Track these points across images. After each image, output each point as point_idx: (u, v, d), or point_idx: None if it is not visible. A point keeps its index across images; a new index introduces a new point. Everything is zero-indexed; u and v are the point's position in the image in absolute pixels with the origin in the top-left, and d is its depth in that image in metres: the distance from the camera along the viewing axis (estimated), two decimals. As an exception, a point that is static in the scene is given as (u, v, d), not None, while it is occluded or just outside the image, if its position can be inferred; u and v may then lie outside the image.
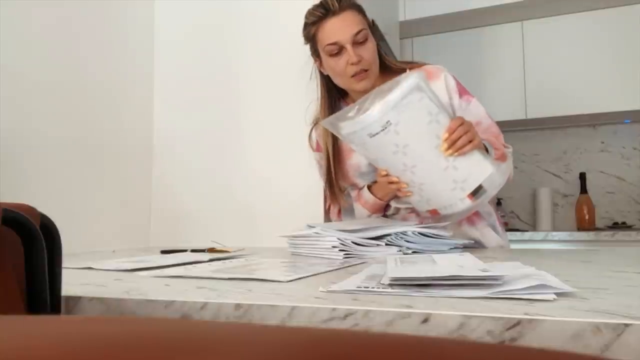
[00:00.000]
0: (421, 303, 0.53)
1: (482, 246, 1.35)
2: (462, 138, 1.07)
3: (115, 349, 0.19)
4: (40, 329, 0.23)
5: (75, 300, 0.64)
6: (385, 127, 1.02)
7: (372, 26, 1.35)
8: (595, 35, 2.69)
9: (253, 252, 1.27)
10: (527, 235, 2.63)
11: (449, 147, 1.06)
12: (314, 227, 1.16)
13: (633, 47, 2.61)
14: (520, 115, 2.82)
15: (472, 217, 1.35)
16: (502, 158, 1.28)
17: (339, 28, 1.27)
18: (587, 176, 2.90)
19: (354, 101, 1.42)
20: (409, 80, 1.04)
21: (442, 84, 1.35)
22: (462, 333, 0.47)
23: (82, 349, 0.19)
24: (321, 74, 1.40)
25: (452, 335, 0.48)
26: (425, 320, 0.49)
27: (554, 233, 2.55)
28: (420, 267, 0.74)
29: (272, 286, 0.68)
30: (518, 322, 0.45)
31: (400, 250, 1.11)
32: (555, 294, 0.54)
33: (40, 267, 0.51)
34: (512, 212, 3.08)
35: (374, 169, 1.38)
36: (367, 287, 0.62)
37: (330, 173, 1.39)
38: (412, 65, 1.41)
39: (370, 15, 1.37)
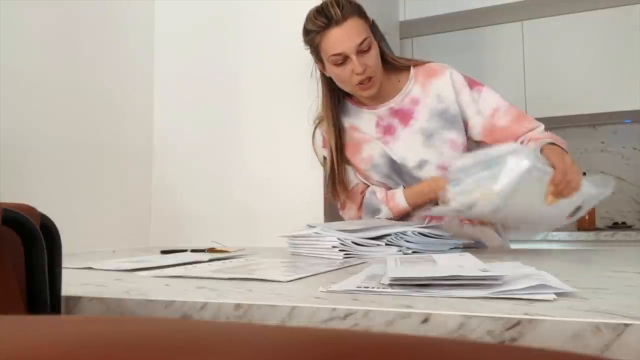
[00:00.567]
0: (421, 303, 0.53)
1: (482, 246, 1.35)
2: (566, 189, 1.02)
3: (115, 349, 0.19)
4: (40, 329, 0.23)
5: (75, 300, 0.64)
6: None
7: (373, 26, 1.35)
8: (595, 35, 2.69)
9: (253, 252, 1.27)
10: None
11: (554, 197, 1.01)
12: (314, 227, 1.16)
13: (633, 47, 2.61)
14: (520, 115, 2.82)
15: (473, 217, 1.35)
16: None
17: (343, 39, 1.26)
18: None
19: (359, 100, 1.43)
20: (520, 167, 0.93)
21: (448, 81, 1.36)
22: (462, 333, 0.47)
23: (82, 349, 0.19)
24: (322, 73, 1.40)
25: (452, 335, 0.48)
26: (425, 320, 0.49)
27: (554, 233, 2.55)
28: (420, 267, 0.74)
29: (272, 286, 0.68)
30: (518, 322, 0.45)
31: (400, 250, 1.11)
32: (555, 294, 0.54)
33: (40, 267, 0.51)
34: (512, 212, 3.07)
35: (387, 160, 1.39)
36: (367, 287, 0.62)
37: (334, 169, 1.40)
38: (416, 62, 1.42)
39: (370, 15, 1.37)
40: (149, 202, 1.85)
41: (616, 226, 2.78)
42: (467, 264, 0.76)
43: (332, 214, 1.57)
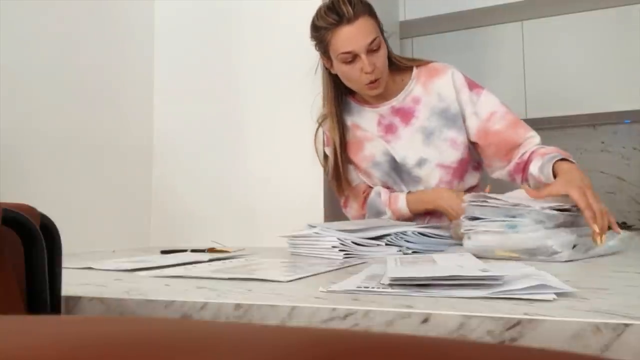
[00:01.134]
0: (421, 303, 0.53)
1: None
2: (604, 223, 0.96)
3: (115, 349, 0.19)
4: (40, 329, 0.23)
5: (75, 300, 0.64)
6: None
7: (381, 27, 1.35)
8: (595, 35, 2.69)
9: (253, 252, 1.27)
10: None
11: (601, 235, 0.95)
12: (314, 227, 1.16)
13: (633, 47, 2.61)
14: (520, 115, 2.79)
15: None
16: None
17: (354, 37, 1.26)
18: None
19: (361, 98, 1.43)
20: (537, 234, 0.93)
21: (449, 80, 1.36)
22: (462, 333, 0.47)
23: (82, 349, 0.19)
24: (327, 70, 1.41)
25: (452, 335, 0.48)
26: (425, 320, 0.49)
27: (554, 233, 2.55)
28: (420, 267, 0.74)
29: (272, 286, 0.68)
30: (518, 322, 0.45)
31: (400, 250, 1.11)
32: (555, 294, 0.54)
33: (40, 267, 0.51)
34: (512, 212, 3.07)
35: (388, 158, 1.39)
36: (367, 287, 0.62)
37: (338, 165, 1.40)
38: (419, 63, 1.42)
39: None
40: (149, 202, 1.85)
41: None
42: (467, 264, 0.76)
43: (332, 214, 1.57)
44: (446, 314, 0.48)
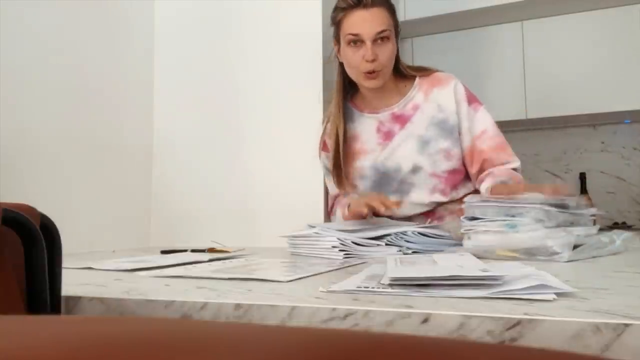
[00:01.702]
0: (421, 303, 0.53)
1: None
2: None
3: (115, 349, 0.19)
4: (40, 329, 0.23)
5: (75, 300, 0.64)
6: None
7: (397, 27, 1.36)
8: (595, 35, 2.69)
9: (253, 252, 1.27)
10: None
11: None
12: (314, 227, 1.16)
13: (633, 47, 2.61)
14: (520, 115, 2.82)
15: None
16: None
17: (365, 22, 1.28)
18: (587, 176, 2.90)
19: (361, 104, 1.43)
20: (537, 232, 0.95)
21: (451, 91, 1.37)
22: (462, 333, 0.47)
23: (82, 349, 0.19)
24: (340, 64, 1.40)
25: (452, 335, 0.48)
26: (425, 320, 0.49)
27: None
28: (420, 267, 0.74)
29: (272, 286, 0.68)
30: (518, 322, 0.45)
31: (400, 250, 1.11)
32: (555, 294, 0.54)
33: (40, 267, 0.51)
34: (512, 212, 3.07)
35: (374, 173, 1.39)
36: (367, 287, 0.62)
37: (339, 155, 1.40)
38: (423, 73, 1.42)
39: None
40: (149, 202, 1.85)
41: (616, 226, 2.78)
42: (467, 264, 0.76)
43: (332, 214, 1.57)
44: (446, 314, 0.48)
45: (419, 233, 1.16)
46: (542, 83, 2.78)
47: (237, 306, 0.56)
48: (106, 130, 1.67)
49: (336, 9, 1.34)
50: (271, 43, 1.74)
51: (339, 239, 1.07)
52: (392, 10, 1.33)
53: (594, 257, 0.95)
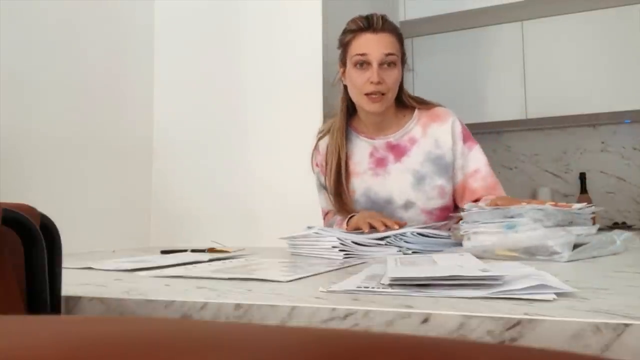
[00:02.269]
0: (421, 303, 0.53)
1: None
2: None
3: (115, 349, 0.19)
4: (40, 329, 0.23)
5: (75, 300, 0.64)
6: None
7: (404, 56, 1.37)
8: (595, 35, 2.69)
9: (253, 252, 1.27)
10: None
11: None
12: (313, 227, 1.16)
13: (633, 47, 2.61)
14: (520, 115, 2.82)
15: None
16: None
17: (373, 44, 1.29)
18: (587, 176, 2.90)
19: (359, 127, 1.42)
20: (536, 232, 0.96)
21: (448, 128, 1.37)
22: (462, 333, 0.47)
23: (82, 349, 0.19)
24: (345, 87, 1.40)
25: (452, 335, 0.48)
26: (425, 320, 0.49)
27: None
28: (420, 267, 0.74)
29: (272, 286, 0.68)
30: (518, 322, 0.45)
31: (400, 250, 1.11)
32: (555, 294, 0.54)
33: (40, 267, 0.51)
34: (512, 212, 3.07)
35: (367, 199, 1.38)
36: (367, 287, 0.62)
37: (341, 178, 1.38)
38: (422, 106, 1.41)
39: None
40: (149, 202, 1.85)
41: (616, 226, 2.78)
42: (467, 264, 0.76)
43: (332, 214, 1.57)
44: (446, 314, 0.48)
45: (418, 233, 1.16)
46: (542, 83, 2.78)
47: (237, 306, 0.56)
48: (106, 130, 1.67)
49: (345, 32, 1.35)
50: (273, 43, 1.75)
51: (339, 238, 1.07)
52: (400, 39, 1.35)
53: (594, 257, 0.95)
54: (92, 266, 0.98)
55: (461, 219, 1.09)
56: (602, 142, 2.97)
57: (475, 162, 1.36)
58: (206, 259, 1.06)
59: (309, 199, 1.60)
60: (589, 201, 2.84)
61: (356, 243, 1.09)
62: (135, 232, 1.78)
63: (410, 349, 0.18)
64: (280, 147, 1.70)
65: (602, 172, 2.94)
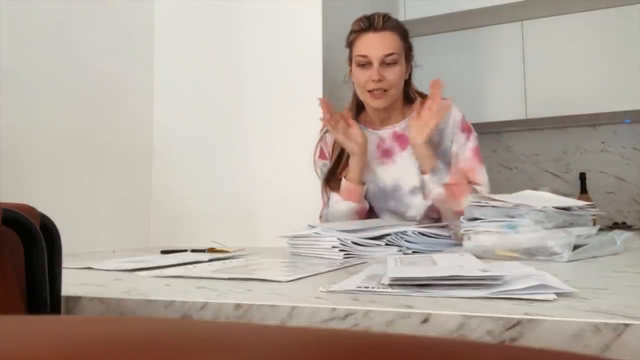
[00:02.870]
0: (421, 303, 0.53)
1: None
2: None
3: (115, 349, 0.19)
4: (40, 329, 0.23)
5: (75, 300, 0.64)
6: None
7: (410, 51, 1.40)
8: (595, 35, 2.69)
9: (253, 252, 1.27)
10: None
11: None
12: (314, 227, 1.16)
13: (633, 47, 2.61)
14: (520, 115, 2.82)
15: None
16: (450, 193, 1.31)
17: (373, 44, 1.33)
18: (587, 176, 2.90)
19: (365, 120, 1.44)
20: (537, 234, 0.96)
21: (447, 114, 1.39)
22: (462, 333, 0.47)
23: (82, 349, 0.19)
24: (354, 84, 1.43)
25: (452, 335, 0.48)
26: (425, 320, 0.49)
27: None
28: (420, 267, 0.74)
29: (272, 286, 0.68)
30: (518, 322, 0.45)
31: (400, 250, 1.11)
32: (555, 294, 0.54)
33: (40, 267, 0.51)
34: (512, 212, 3.07)
35: (372, 187, 1.43)
36: (367, 287, 0.62)
37: (338, 165, 1.41)
38: (424, 99, 1.42)
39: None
40: (149, 202, 1.85)
41: (616, 226, 2.78)
42: (467, 264, 0.76)
43: (332, 214, 1.57)
44: (446, 314, 0.48)
45: (419, 233, 1.16)
46: (542, 83, 2.78)
47: (237, 306, 0.56)
48: (106, 130, 1.67)
49: (350, 32, 1.39)
50: (274, 43, 1.74)
51: (339, 239, 1.07)
52: (404, 36, 1.37)
53: (594, 257, 0.95)
54: (92, 266, 0.98)
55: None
56: (602, 142, 2.97)
57: (469, 151, 1.39)
58: (206, 259, 1.06)
59: (309, 199, 1.60)
60: (589, 201, 2.84)
61: (356, 243, 1.09)
62: (135, 232, 1.78)
63: (410, 349, 0.18)
64: (281, 147, 1.70)
65: (602, 172, 2.94)
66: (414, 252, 1.11)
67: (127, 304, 0.62)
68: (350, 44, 1.39)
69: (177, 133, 1.85)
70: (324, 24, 1.66)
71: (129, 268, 0.93)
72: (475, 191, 1.33)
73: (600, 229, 1.07)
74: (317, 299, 0.57)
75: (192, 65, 1.87)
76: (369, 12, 1.37)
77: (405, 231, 1.15)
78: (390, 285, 0.61)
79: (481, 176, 1.37)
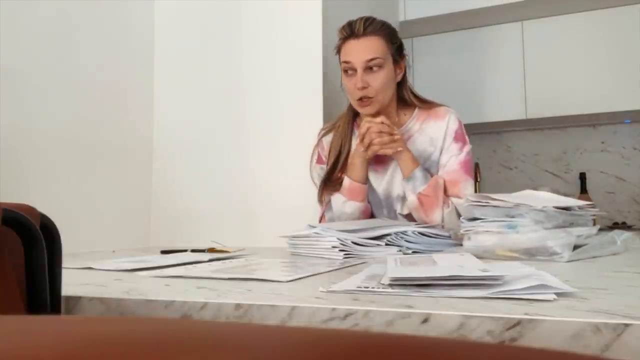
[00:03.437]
0: (421, 303, 0.53)
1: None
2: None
3: (115, 349, 0.19)
4: (40, 329, 0.23)
5: (75, 300, 0.64)
6: None
7: (400, 52, 1.38)
8: (595, 35, 2.69)
9: (253, 252, 1.27)
10: (527, 235, 2.62)
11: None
12: (314, 227, 1.16)
13: (633, 47, 2.61)
14: (520, 115, 2.82)
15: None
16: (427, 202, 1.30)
17: (356, 51, 1.32)
18: (587, 176, 2.90)
19: (361, 122, 1.44)
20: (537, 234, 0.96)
21: (443, 126, 1.38)
22: (462, 333, 0.47)
23: (82, 349, 0.19)
24: None
25: (452, 335, 0.48)
26: (425, 320, 0.49)
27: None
28: (420, 267, 0.74)
29: (272, 286, 0.68)
30: (518, 322, 0.45)
31: (400, 250, 1.11)
32: (555, 294, 0.54)
33: (40, 267, 0.51)
34: (512, 212, 3.07)
35: (368, 194, 1.41)
36: (367, 287, 0.62)
37: (336, 167, 1.40)
38: (424, 105, 1.41)
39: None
40: (149, 202, 1.85)
41: (616, 226, 2.78)
42: (467, 264, 0.76)
43: (332, 214, 1.57)
44: (446, 314, 0.48)
45: (419, 233, 1.16)
46: (542, 83, 2.78)
47: (237, 306, 0.56)
48: (106, 130, 1.67)
49: (339, 39, 1.39)
50: (272, 41, 1.74)
51: (339, 239, 1.07)
52: (389, 38, 1.34)
53: (594, 257, 0.95)
54: (92, 266, 0.98)
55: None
56: (602, 142, 2.97)
57: (458, 164, 1.36)
58: (206, 259, 1.06)
59: (309, 199, 1.60)
60: (589, 201, 2.84)
61: (356, 243, 1.09)
62: (135, 232, 1.78)
63: (410, 349, 0.18)
64: (281, 147, 1.70)
65: (602, 172, 2.94)
66: (414, 252, 1.11)
67: (127, 304, 0.62)
68: (337, 52, 1.39)
69: (177, 133, 1.85)
70: (324, 24, 1.66)
71: (129, 268, 0.93)
72: (449, 205, 1.31)
73: (600, 229, 1.07)
74: (317, 299, 0.57)
75: (192, 65, 1.86)
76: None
77: (405, 231, 1.15)
78: (390, 285, 0.61)
79: (464, 190, 1.33)
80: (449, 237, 1.21)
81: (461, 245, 1.21)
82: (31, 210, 0.53)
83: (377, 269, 0.79)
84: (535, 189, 1.23)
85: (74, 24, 1.57)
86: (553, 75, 2.75)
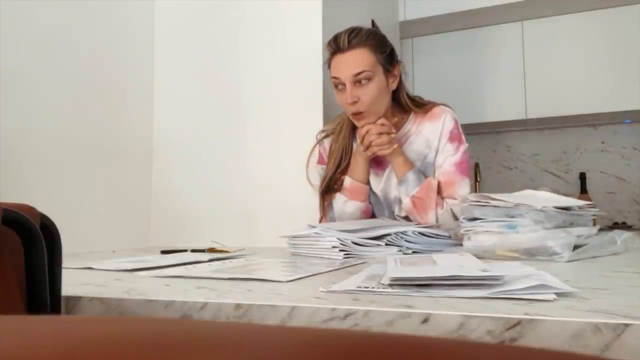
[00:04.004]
0: (421, 303, 0.53)
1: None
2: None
3: (115, 349, 0.19)
4: (40, 329, 0.23)
5: (75, 300, 0.64)
6: None
7: (390, 60, 1.35)
8: (595, 35, 2.69)
9: (253, 252, 1.27)
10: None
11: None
12: (314, 227, 1.16)
13: (633, 47, 2.61)
14: (520, 115, 2.82)
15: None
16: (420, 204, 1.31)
17: (342, 66, 1.30)
18: (587, 176, 2.90)
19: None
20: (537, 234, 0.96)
21: (439, 126, 1.38)
22: (462, 333, 0.47)
23: (82, 349, 0.19)
24: None
25: (452, 335, 0.48)
26: (425, 320, 0.49)
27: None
28: (420, 267, 0.74)
29: (272, 286, 0.68)
30: (518, 322, 0.45)
31: (400, 250, 1.11)
32: (555, 294, 0.54)
33: (40, 267, 0.51)
34: (512, 212, 3.06)
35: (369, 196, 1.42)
36: (367, 287, 0.62)
37: (337, 171, 1.40)
38: (419, 109, 1.41)
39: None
40: (149, 202, 1.85)
41: (616, 226, 2.78)
42: (467, 264, 0.76)
43: (332, 214, 1.57)
44: (446, 314, 0.48)
45: (419, 233, 1.16)
46: (542, 83, 2.78)
47: (237, 306, 0.56)
48: (106, 130, 1.67)
49: (328, 54, 1.38)
50: (271, 41, 1.74)
51: (339, 239, 1.07)
52: (375, 48, 1.31)
53: (594, 257, 0.95)
54: (92, 266, 0.98)
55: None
56: (602, 142, 2.97)
57: (453, 164, 1.35)
58: (206, 259, 1.06)
59: (309, 199, 1.60)
60: (589, 201, 2.83)
61: (356, 243, 1.09)
62: (135, 232, 1.78)
63: (410, 349, 0.18)
64: (280, 148, 1.70)
65: (602, 172, 2.94)
66: (414, 252, 1.11)
67: (127, 304, 0.62)
68: (328, 67, 1.37)
69: (177, 133, 1.85)
70: (323, 25, 1.66)
71: (129, 268, 0.93)
72: (443, 206, 1.31)
73: (600, 229, 1.07)
74: (317, 299, 0.57)
75: (192, 65, 1.86)
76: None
77: (405, 231, 1.15)
78: (390, 285, 0.61)
79: (459, 191, 1.32)
80: (449, 237, 1.21)
81: (461, 245, 1.21)
82: (31, 210, 0.53)
83: (377, 269, 0.79)
84: (535, 189, 1.22)
85: (74, 24, 1.57)
86: (553, 75, 2.75)
